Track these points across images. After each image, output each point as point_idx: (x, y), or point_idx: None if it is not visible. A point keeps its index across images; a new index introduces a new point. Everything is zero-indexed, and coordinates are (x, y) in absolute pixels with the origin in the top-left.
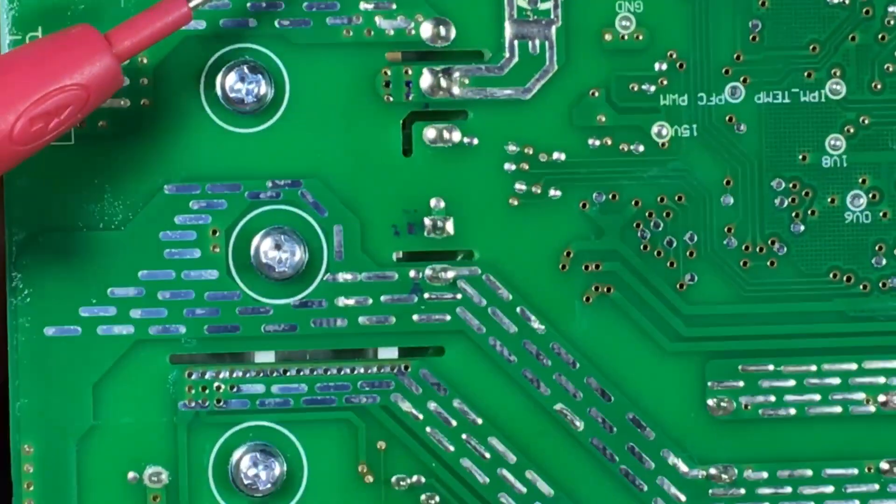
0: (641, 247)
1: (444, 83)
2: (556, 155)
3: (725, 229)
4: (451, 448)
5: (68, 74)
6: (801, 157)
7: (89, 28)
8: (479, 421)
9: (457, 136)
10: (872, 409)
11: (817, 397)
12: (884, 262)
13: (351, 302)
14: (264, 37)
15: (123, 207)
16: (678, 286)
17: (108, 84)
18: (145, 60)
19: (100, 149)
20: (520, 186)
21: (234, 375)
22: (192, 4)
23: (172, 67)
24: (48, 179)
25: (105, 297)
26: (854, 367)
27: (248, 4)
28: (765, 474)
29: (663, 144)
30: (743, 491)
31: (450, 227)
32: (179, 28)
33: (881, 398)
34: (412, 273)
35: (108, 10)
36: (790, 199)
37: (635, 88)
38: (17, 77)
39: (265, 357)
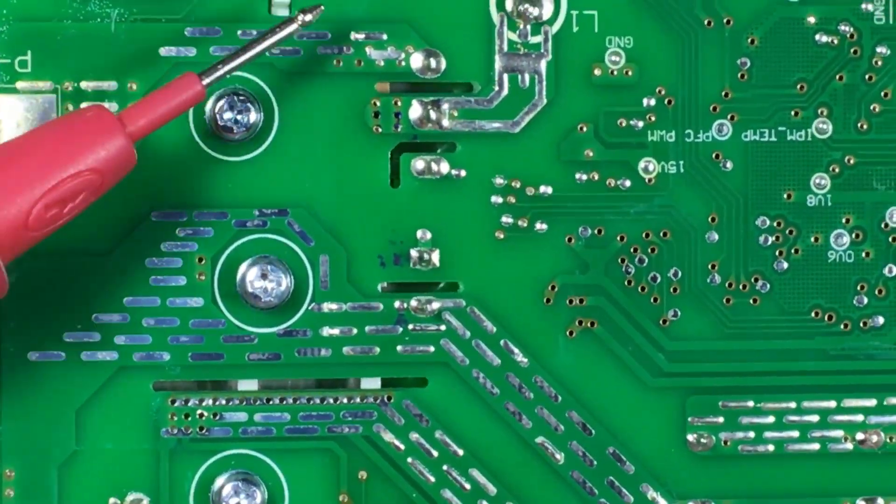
0: (626, 282)
1: (433, 115)
2: (543, 189)
3: (709, 266)
4: (432, 479)
5: (83, 160)
6: (786, 195)
7: (103, 110)
8: (461, 452)
9: (445, 167)
10: (850, 446)
11: (796, 434)
12: (865, 301)
13: (335, 332)
14: (254, 65)
15: (110, 233)
16: (661, 322)
17: (122, 166)
18: (135, 87)
19: None
20: (506, 219)
21: (217, 403)
22: (205, 82)
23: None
24: None
25: (90, 323)
26: (833, 404)
27: (239, 32)
28: None
29: (650, 180)
30: None
31: (436, 258)
32: (193, 106)
33: (859, 436)
34: (397, 304)
35: (97, 34)
36: (774, 237)
37: (623, 124)
38: (33, 163)
39: (248, 385)
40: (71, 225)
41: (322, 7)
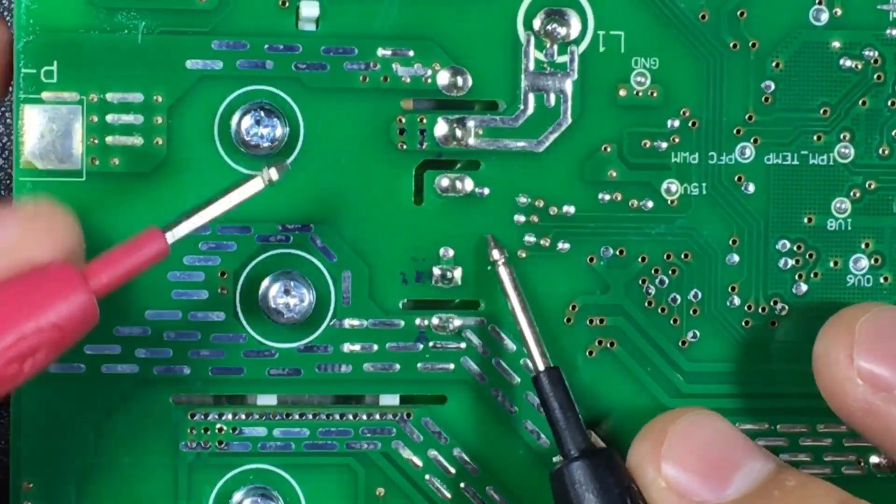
0: (646, 303)
1: (458, 133)
2: (565, 208)
3: (729, 288)
4: (449, 496)
5: (44, 316)
6: (806, 218)
7: (65, 265)
8: (478, 470)
9: (469, 185)
10: (864, 470)
11: (810, 458)
12: None
13: (356, 348)
14: (280, 79)
15: None
16: (680, 343)
17: (84, 322)
18: (160, 99)
19: (111, 186)
20: (529, 238)
21: (237, 418)
22: (170, 240)
23: (187, 107)
24: None
25: (110, 336)
26: (847, 428)
27: (266, 46)
28: None
29: (672, 202)
30: None
31: (458, 276)
32: (158, 262)
33: (873, 459)
34: (418, 321)
35: (124, 46)
36: (794, 261)
37: (647, 145)
38: (7, 340)
39: (268, 400)
40: (94, 237)
41: (288, 164)
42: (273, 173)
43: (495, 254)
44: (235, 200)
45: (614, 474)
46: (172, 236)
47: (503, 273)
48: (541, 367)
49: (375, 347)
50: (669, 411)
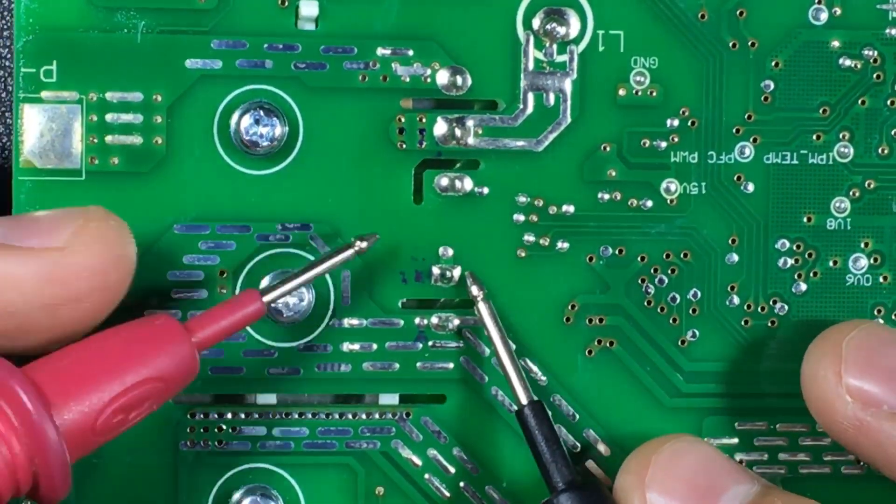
0: (645, 302)
1: (457, 132)
2: (565, 208)
3: (729, 287)
4: (448, 495)
5: (152, 367)
6: (806, 218)
7: (171, 320)
8: (478, 469)
9: (468, 185)
10: (863, 470)
11: (809, 457)
12: None
13: (355, 347)
14: (280, 79)
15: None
16: (680, 342)
17: (187, 374)
18: (159, 98)
19: (110, 185)
20: (528, 238)
21: (236, 417)
22: (266, 300)
23: (186, 106)
24: None
25: None
26: None
27: (265, 45)
28: None
29: (672, 201)
30: None
31: (457, 275)
32: (254, 321)
33: None
34: (417, 320)
35: (123, 45)
36: (794, 260)
37: (646, 144)
38: (104, 369)
39: (267, 399)
40: None
41: (377, 236)
42: (364, 244)
43: (474, 290)
44: (327, 267)
45: None
46: (268, 296)
47: (483, 309)
48: (524, 401)
49: (375, 347)
50: (653, 439)
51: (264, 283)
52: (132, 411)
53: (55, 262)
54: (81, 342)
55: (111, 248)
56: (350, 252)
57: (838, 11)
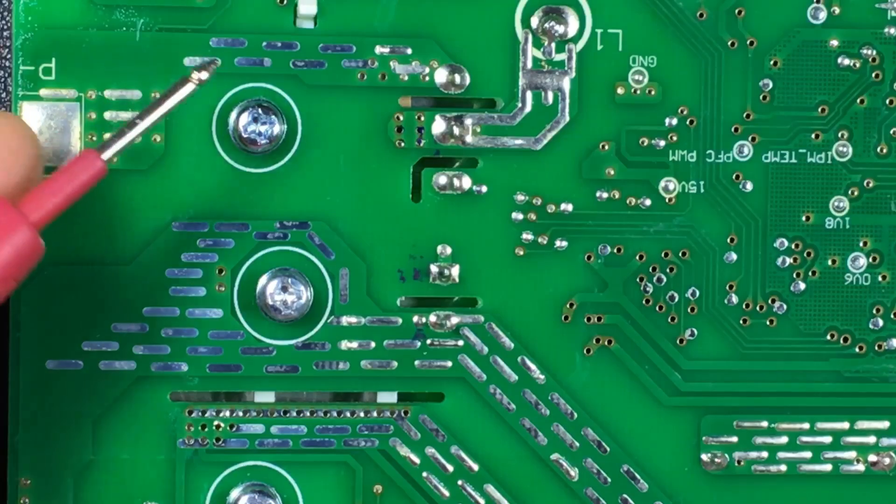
0: (644, 301)
1: (456, 130)
2: (563, 206)
3: (727, 286)
4: (447, 494)
5: (3, 274)
6: (804, 217)
7: (10, 213)
8: (476, 468)
9: (466, 183)
10: (862, 468)
11: (809, 455)
12: (881, 323)
13: (354, 345)
14: (278, 77)
15: (130, 243)
16: (678, 341)
17: (32, 261)
18: (158, 96)
19: (109, 183)
20: (527, 236)
21: (234, 415)
22: (104, 156)
23: (185, 104)
24: None
25: (108, 332)
26: (846, 426)
27: (264, 43)
28: None
29: (670, 200)
30: None
31: (455, 274)
32: (97, 183)
33: (871, 458)
34: (416, 319)
35: (122, 43)
36: (792, 259)
37: (645, 143)
38: None
39: (265, 397)
40: (91, 234)
41: (219, 61)
42: (203, 74)
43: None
44: (167, 108)
45: None
46: (106, 152)
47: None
48: None
49: (373, 345)
50: None
51: (262, 281)
52: None
53: None
54: None
55: (4, 143)
56: (190, 86)
57: (837, 10)
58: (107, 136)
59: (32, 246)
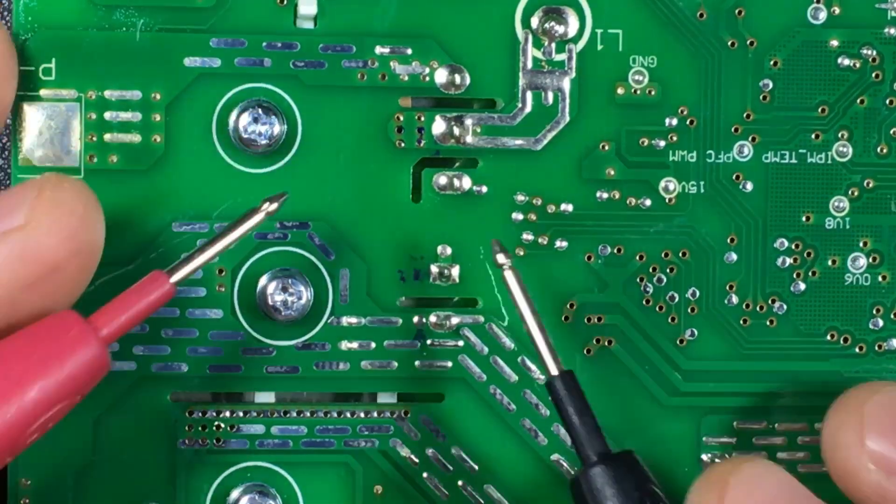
0: (644, 301)
1: (456, 131)
2: (563, 206)
3: (727, 286)
4: (447, 494)
5: (64, 390)
6: (804, 217)
7: (78, 322)
8: (476, 468)
9: (466, 183)
10: None
11: (807, 456)
12: (881, 324)
13: (354, 346)
14: (278, 77)
15: (130, 243)
16: (678, 341)
17: (98, 377)
18: (158, 96)
19: (109, 183)
20: (527, 236)
21: (234, 415)
22: (173, 280)
23: (185, 104)
24: None
25: None
26: None
27: (264, 44)
28: None
29: (670, 200)
30: None
31: (455, 274)
32: (164, 304)
33: None
34: (416, 319)
35: (122, 44)
36: (792, 259)
37: (645, 143)
38: (23, 400)
39: (265, 398)
40: None
41: (287, 195)
42: (273, 206)
43: (500, 258)
44: (235, 237)
45: (635, 477)
46: (175, 276)
47: (510, 278)
48: (554, 371)
49: (373, 345)
50: (730, 459)
51: (263, 281)
52: (47, 426)
53: (21, 241)
54: None
55: (72, 210)
56: (260, 216)
57: (837, 10)
58: (182, 256)
59: (101, 362)
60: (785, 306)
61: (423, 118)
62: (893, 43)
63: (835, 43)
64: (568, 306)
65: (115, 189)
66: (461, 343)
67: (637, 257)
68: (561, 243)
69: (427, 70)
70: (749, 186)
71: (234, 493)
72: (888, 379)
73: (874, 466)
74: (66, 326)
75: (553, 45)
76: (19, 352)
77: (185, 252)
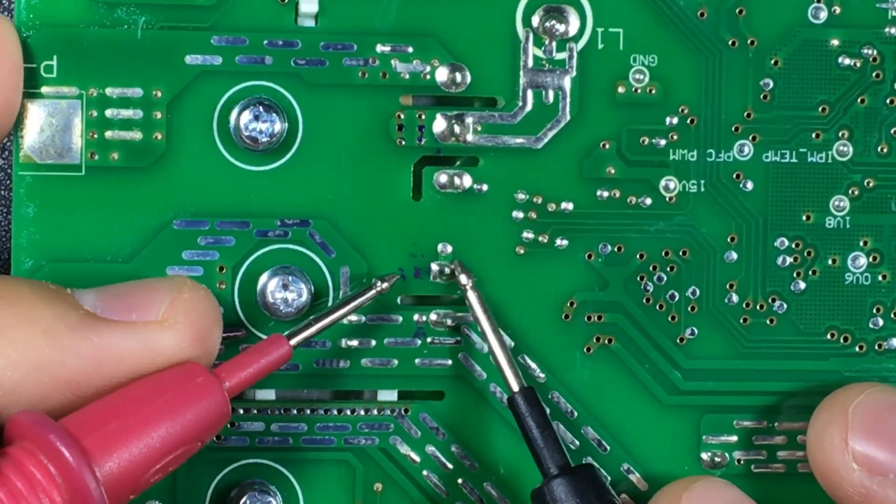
0: (644, 300)
1: (457, 129)
2: (564, 205)
3: (727, 285)
4: (447, 492)
5: (192, 433)
6: (805, 216)
7: (208, 377)
8: (476, 466)
9: (467, 182)
10: None
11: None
12: (881, 323)
13: (354, 343)
14: (279, 75)
15: (131, 240)
16: (678, 340)
17: (220, 426)
18: (159, 94)
19: (110, 181)
20: (527, 235)
21: (235, 412)
22: (293, 343)
23: (186, 102)
24: (56, 209)
25: None
26: None
27: (265, 42)
28: None
29: (671, 199)
30: None
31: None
32: (282, 365)
33: None
34: (416, 317)
35: (123, 41)
36: (792, 258)
37: (646, 142)
38: (147, 439)
39: (266, 395)
40: (92, 231)
41: (398, 276)
42: (384, 285)
43: (463, 279)
44: (351, 309)
45: (596, 489)
46: (294, 339)
47: (472, 298)
48: (515, 387)
49: (373, 343)
50: (681, 480)
51: (263, 279)
52: (168, 469)
53: (156, 336)
54: (120, 399)
55: (205, 316)
56: (373, 293)
57: (838, 10)
58: (302, 323)
59: (223, 409)
60: (785, 305)
61: (423, 116)
62: (894, 42)
63: (835, 42)
64: (568, 305)
65: (116, 186)
66: (461, 341)
67: (637, 256)
68: (561, 242)
69: (428, 68)
70: (749, 185)
71: (235, 491)
72: (888, 379)
73: (857, 466)
74: (193, 375)
75: (554, 43)
76: (149, 394)
77: (186, 248)
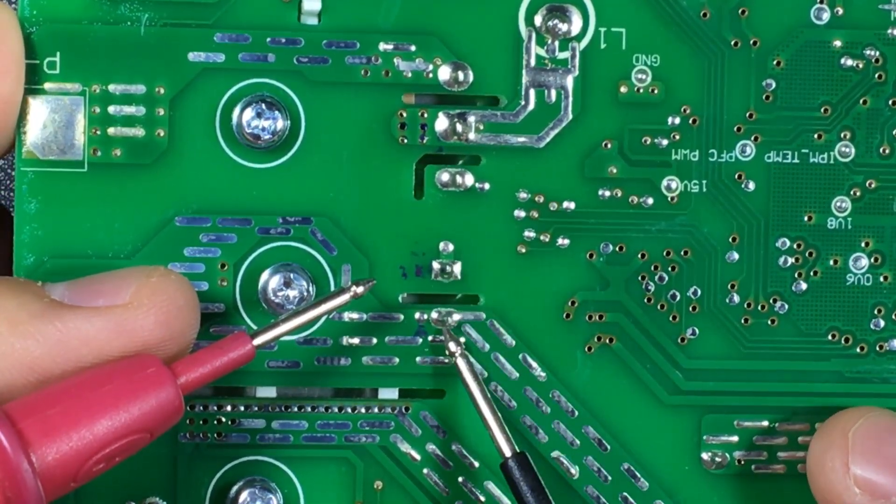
0: (645, 299)
1: (459, 128)
2: (566, 204)
3: (729, 286)
4: (447, 490)
5: (139, 423)
6: (806, 217)
7: (159, 366)
8: (476, 464)
9: (469, 180)
10: None
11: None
12: (882, 324)
13: (355, 341)
14: (282, 73)
15: (133, 237)
16: (679, 340)
17: (172, 420)
18: (162, 91)
19: (112, 177)
20: (529, 234)
21: (236, 410)
22: (256, 343)
23: (189, 99)
24: (58, 205)
25: None
26: None
27: (268, 39)
28: None
29: (672, 199)
30: None
31: (457, 271)
32: (243, 365)
33: None
34: (417, 315)
35: (126, 38)
36: (794, 259)
37: (648, 142)
38: (90, 425)
39: (267, 392)
40: (94, 227)
41: (374, 281)
42: (360, 289)
43: (451, 346)
44: (320, 312)
45: None
46: (258, 339)
47: (461, 365)
48: (507, 453)
49: (375, 341)
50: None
51: (265, 276)
52: (114, 459)
53: (121, 317)
54: (66, 386)
55: (172, 299)
56: (346, 297)
57: (840, 11)
58: (268, 323)
59: (175, 405)
60: (786, 306)
61: (426, 115)
62: None
63: (838, 43)
64: (569, 304)
65: (119, 183)
66: (462, 339)
67: (639, 256)
68: (563, 241)
69: (430, 67)
70: (751, 186)
71: (235, 488)
72: (888, 380)
73: (859, 490)
74: (145, 365)
75: (556, 43)
76: (96, 381)
77: (188, 245)
